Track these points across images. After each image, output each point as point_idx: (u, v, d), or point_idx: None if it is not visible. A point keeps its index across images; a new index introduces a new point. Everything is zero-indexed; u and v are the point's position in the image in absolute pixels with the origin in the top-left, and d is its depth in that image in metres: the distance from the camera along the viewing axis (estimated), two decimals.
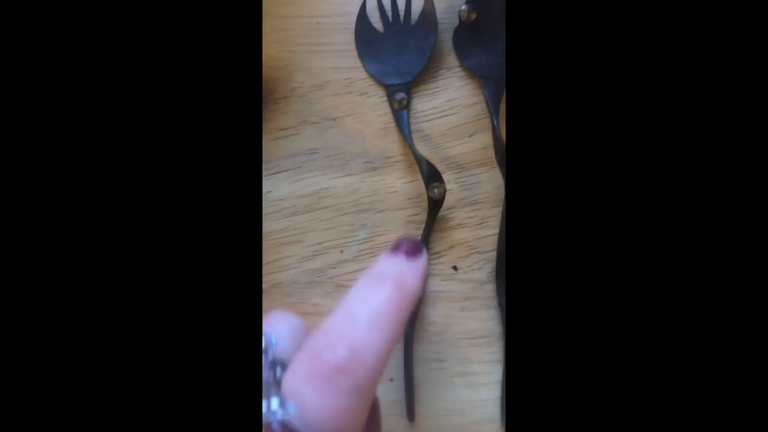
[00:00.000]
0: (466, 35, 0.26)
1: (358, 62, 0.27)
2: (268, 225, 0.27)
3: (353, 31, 0.27)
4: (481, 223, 0.26)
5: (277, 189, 0.27)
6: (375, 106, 0.27)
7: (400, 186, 0.26)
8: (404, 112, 0.26)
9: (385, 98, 0.27)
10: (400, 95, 0.27)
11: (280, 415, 0.14)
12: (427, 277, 0.18)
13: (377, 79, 0.27)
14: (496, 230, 0.25)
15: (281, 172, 0.27)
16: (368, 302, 0.16)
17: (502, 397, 0.25)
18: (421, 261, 0.18)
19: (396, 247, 0.18)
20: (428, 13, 0.27)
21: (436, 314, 0.26)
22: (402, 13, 0.27)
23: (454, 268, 0.26)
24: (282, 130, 0.27)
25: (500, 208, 0.25)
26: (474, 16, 0.26)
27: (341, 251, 0.26)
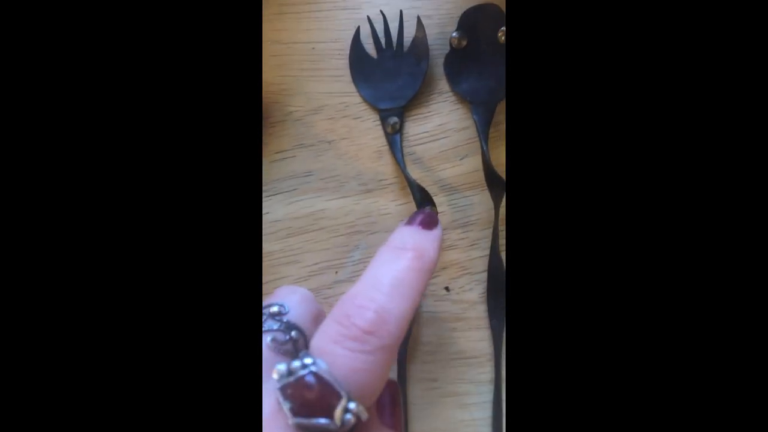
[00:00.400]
0: (457, 62, 0.27)
1: (352, 87, 0.28)
2: (265, 246, 0.27)
3: (348, 56, 0.28)
4: (472, 245, 0.26)
5: (273, 211, 0.27)
6: (369, 129, 0.28)
7: (394, 208, 0.27)
8: (397, 136, 0.27)
9: (379, 122, 0.28)
10: (393, 119, 0.27)
11: (313, 368, 0.15)
12: (441, 247, 0.19)
13: (371, 103, 0.28)
14: (487, 251, 0.26)
15: (277, 194, 0.27)
16: (391, 270, 0.17)
17: (493, 417, 0.25)
18: (437, 231, 0.19)
19: (413, 219, 0.19)
20: (420, 40, 0.27)
21: (429, 334, 0.26)
22: (395, 39, 0.28)
23: (447, 288, 0.26)
24: (278, 152, 0.28)
25: (491, 230, 0.26)
26: (464, 43, 0.27)
27: (336, 272, 0.27)
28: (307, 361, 0.15)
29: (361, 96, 0.28)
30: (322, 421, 0.15)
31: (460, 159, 0.27)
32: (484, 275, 0.26)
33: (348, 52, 0.28)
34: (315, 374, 0.15)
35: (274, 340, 0.17)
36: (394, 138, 0.27)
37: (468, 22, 0.27)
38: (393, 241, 0.19)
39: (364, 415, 0.16)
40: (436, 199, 0.26)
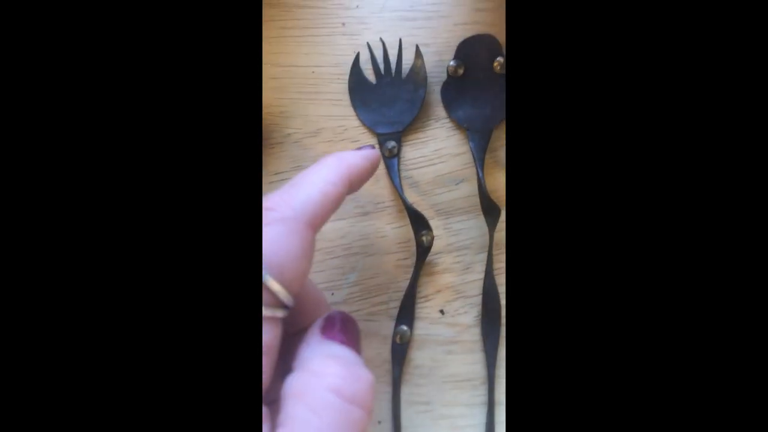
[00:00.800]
0: (454, 89, 0.28)
1: (351, 111, 0.29)
2: None
3: (347, 81, 0.29)
4: (467, 269, 0.27)
5: None
6: None
7: (390, 231, 0.27)
8: (395, 160, 0.28)
9: (377, 146, 0.28)
10: (391, 144, 0.28)
11: None
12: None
13: (370, 127, 0.28)
14: (482, 275, 0.26)
15: None
16: (308, 170, 0.19)
17: None
18: (367, 150, 0.21)
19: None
20: (418, 68, 0.28)
21: (423, 357, 0.26)
22: (393, 66, 0.29)
23: (441, 311, 0.27)
24: (277, 174, 0.28)
25: (485, 254, 0.26)
26: (461, 71, 0.28)
27: (332, 294, 0.27)
28: None
29: (359, 120, 0.28)
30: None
31: (456, 184, 0.28)
32: (479, 299, 0.26)
33: (347, 76, 0.29)
34: None
35: None
36: (391, 162, 0.28)
37: (465, 51, 0.28)
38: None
39: (274, 287, 0.16)
40: (432, 223, 0.27)
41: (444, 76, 0.28)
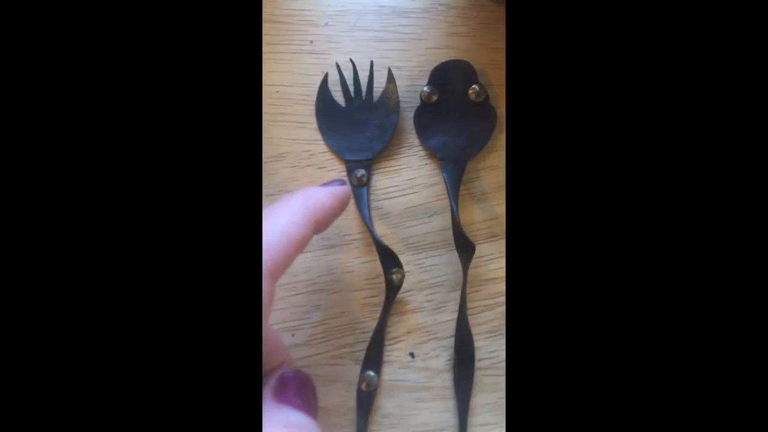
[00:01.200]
0: (427, 116, 0.26)
1: (318, 135, 0.27)
2: None
3: (314, 103, 0.27)
4: (439, 308, 0.25)
5: None
6: None
7: (357, 265, 0.25)
8: (364, 189, 0.26)
9: (345, 173, 0.26)
10: (360, 171, 0.26)
11: None
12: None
13: (337, 154, 0.26)
14: (455, 315, 0.25)
15: None
16: (272, 210, 0.17)
17: None
18: (335, 187, 0.20)
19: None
20: (390, 92, 0.27)
21: (391, 405, 0.24)
22: (364, 89, 0.27)
23: (411, 355, 0.25)
24: None
25: (458, 293, 0.25)
26: (435, 98, 0.26)
27: (292, 335, 0.25)
28: None
29: (326, 145, 0.26)
30: None
31: (429, 216, 0.26)
32: (451, 341, 0.25)
33: (314, 98, 0.27)
34: None
35: None
36: (360, 191, 0.26)
37: (439, 76, 0.26)
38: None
39: None
40: (402, 258, 0.25)
41: (417, 102, 0.27)
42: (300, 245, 0.17)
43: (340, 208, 0.19)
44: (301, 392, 0.17)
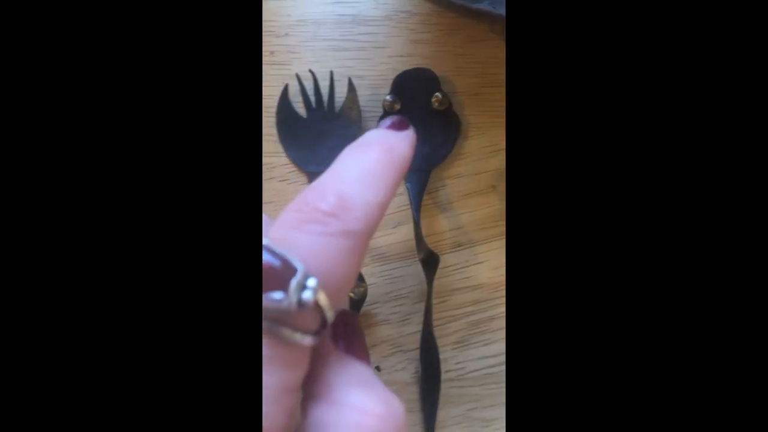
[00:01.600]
0: None
1: (279, 147, 0.26)
2: None
3: (274, 113, 0.26)
4: (404, 319, 0.25)
5: None
6: (297, 193, 0.26)
7: None
8: None
9: (307, 186, 0.26)
10: None
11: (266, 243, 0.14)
12: (413, 147, 0.18)
13: (299, 166, 0.26)
14: (420, 327, 0.24)
15: None
16: (355, 162, 0.16)
17: None
18: (409, 132, 0.18)
19: (381, 124, 0.18)
20: (351, 102, 0.26)
21: None
22: (325, 99, 0.26)
23: (377, 368, 0.24)
24: None
25: (423, 304, 0.25)
26: (397, 107, 0.26)
27: None
28: (265, 240, 0.14)
29: (288, 157, 0.26)
30: (276, 296, 0.13)
31: (393, 227, 0.26)
32: (416, 353, 0.24)
33: (275, 109, 0.26)
34: (267, 248, 0.14)
35: None
36: None
37: (401, 85, 0.26)
38: (358, 140, 0.17)
39: (325, 303, 0.14)
40: (367, 270, 0.25)
41: (380, 111, 0.26)
42: (385, 208, 0.16)
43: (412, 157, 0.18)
44: (357, 335, 0.17)
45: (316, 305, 0.14)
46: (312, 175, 0.26)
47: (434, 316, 0.24)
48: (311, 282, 0.13)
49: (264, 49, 0.27)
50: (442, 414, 0.24)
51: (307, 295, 0.13)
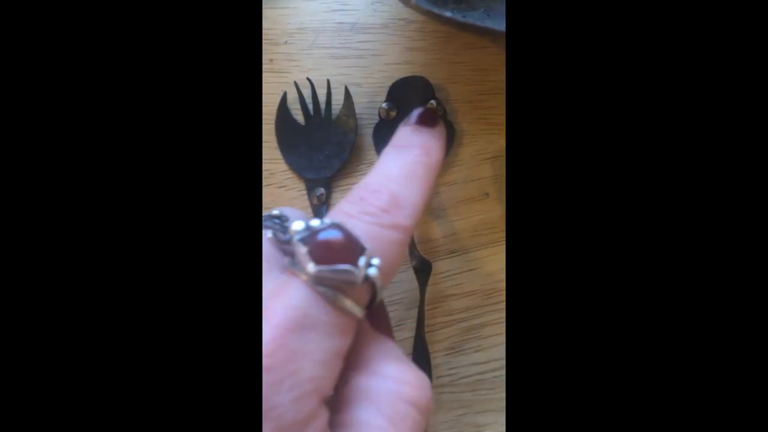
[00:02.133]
0: (386, 132, 0.26)
1: (277, 153, 0.27)
2: None
3: (272, 121, 0.27)
4: (397, 325, 0.25)
5: None
6: (294, 200, 0.26)
7: None
8: (324, 208, 0.26)
9: (305, 192, 0.26)
10: (320, 190, 0.26)
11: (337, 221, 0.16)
12: (444, 143, 0.21)
13: (297, 172, 0.26)
14: (412, 333, 0.25)
15: None
16: (400, 163, 0.19)
17: None
18: (439, 128, 0.20)
19: (410, 119, 0.20)
20: (348, 110, 0.27)
21: None
22: (323, 107, 0.27)
23: None
24: None
25: (416, 310, 0.25)
26: (393, 114, 0.26)
27: None
28: (328, 220, 0.16)
29: (286, 164, 0.27)
30: (345, 266, 0.15)
31: None
32: (409, 358, 0.25)
33: (273, 117, 0.27)
34: (339, 226, 0.16)
35: (275, 236, 0.17)
36: (320, 210, 0.26)
37: (397, 93, 0.26)
38: (396, 141, 0.20)
39: (380, 283, 0.16)
40: None
41: (377, 119, 0.27)
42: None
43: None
44: (385, 312, 0.21)
45: (373, 283, 0.16)
46: (309, 182, 0.26)
47: (427, 322, 0.25)
48: (376, 261, 0.16)
49: (263, 56, 0.28)
50: (434, 419, 0.24)
51: (372, 271, 0.15)
